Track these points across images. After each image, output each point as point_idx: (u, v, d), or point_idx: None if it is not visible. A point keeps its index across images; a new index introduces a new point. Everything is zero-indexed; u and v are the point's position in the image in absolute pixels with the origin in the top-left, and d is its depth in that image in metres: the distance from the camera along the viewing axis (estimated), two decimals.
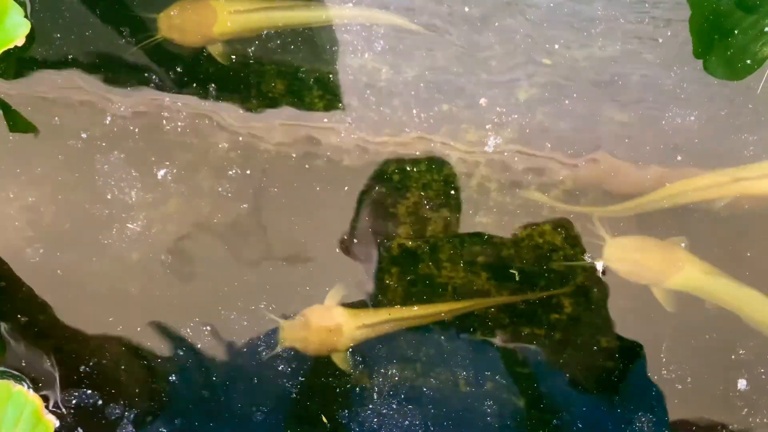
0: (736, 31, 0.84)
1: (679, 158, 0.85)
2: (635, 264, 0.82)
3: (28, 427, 0.77)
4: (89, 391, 0.83)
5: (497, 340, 0.86)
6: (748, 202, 0.84)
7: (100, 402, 0.83)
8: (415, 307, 0.85)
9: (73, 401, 0.83)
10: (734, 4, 0.84)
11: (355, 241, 0.87)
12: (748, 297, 0.81)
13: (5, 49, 0.81)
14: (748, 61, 0.84)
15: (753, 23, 0.83)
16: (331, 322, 0.83)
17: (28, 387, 0.81)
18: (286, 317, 0.85)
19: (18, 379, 0.81)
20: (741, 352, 0.82)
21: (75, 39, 0.90)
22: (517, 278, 0.85)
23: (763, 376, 0.82)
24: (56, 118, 0.88)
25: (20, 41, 0.82)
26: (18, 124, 0.87)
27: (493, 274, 0.86)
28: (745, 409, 0.81)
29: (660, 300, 0.82)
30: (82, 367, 0.84)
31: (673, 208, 0.84)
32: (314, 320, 0.83)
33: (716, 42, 0.85)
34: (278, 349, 0.83)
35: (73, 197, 0.87)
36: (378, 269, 0.87)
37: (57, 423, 0.79)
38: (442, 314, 0.85)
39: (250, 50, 0.90)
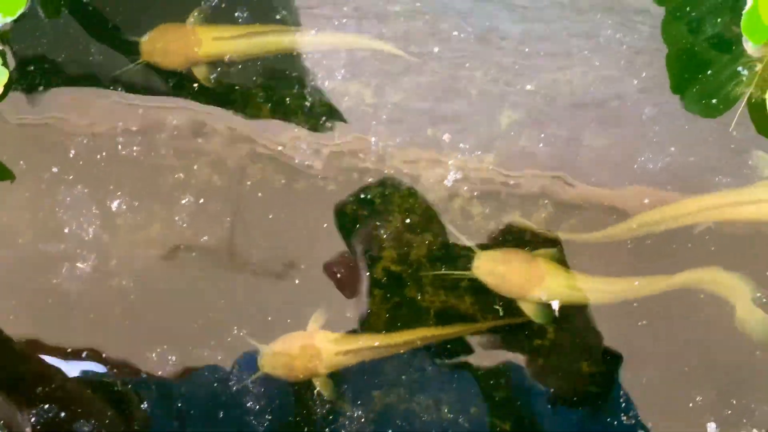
0: (709, 71, 0.86)
1: (648, 189, 0.87)
2: (500, 277, 0.83)
3: None
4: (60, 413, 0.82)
5: (481, 365, 0.86)
6: (725, 227, 0.85)
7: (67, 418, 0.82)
8: (399, 334, 0.85)
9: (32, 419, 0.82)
10: (708, 44, 0.86)
11: (339, 265, 0.87)
12: (613, 290, 0.84)
13: None
14: (717, 101, 0.86)
15: (726, 63, 0.85)
16: (312, 346, 0.83)
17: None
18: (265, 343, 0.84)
19: None
20: (698, 398, 0.83)
21: (52, 66, 0.90)
22: (501, 313, 0.85)
23: (732, 417, 0.83)
24: (21, 163, 0.88)
25: None
26: None
27: (477, 298, 0.86)
28: None
29: (526, 312, 0.83)
30: (47, 388, 0.83)
31: (651, 234, 0.85)
32: (295, 345, 0.83)
33: (690, 79, 0.87)
34: (258, 374, 0.83)
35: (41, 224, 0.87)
36: (361, 293, 0.87)
37: None
38: (423, 341, 0.85)
39: (235, 74, 0.90)
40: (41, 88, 0.90)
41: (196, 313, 0.86)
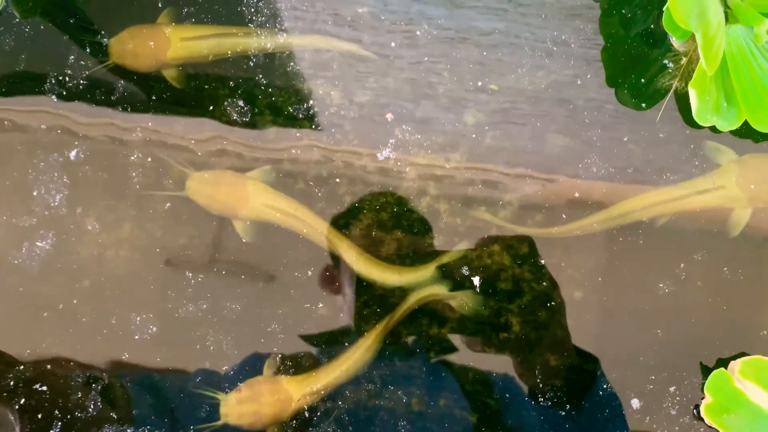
0: (640, 65, 0.89)
1: (610, 184, 0.89)
2: (209, 197, 0.86)
3: None
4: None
5: (449, 359, 0.87)
6: (686, 217, 0.88)
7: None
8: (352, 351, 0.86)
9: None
10: (639, 39, 0.89)
11: (309, 268, 0.88)
12: (304, 221, 0.87)
13: None
14: (647, 94, 0.89)
15: (656, 57, 0.88)
16: (281, 392, 0.82)
17: None
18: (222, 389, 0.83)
19: None
20: (606, 386, 0.86)
21: (23, 65, 0.90)
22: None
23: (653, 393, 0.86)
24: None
25: None
26: None
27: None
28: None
29: (238, 231, 0.87)
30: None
31: (616, 227, 0.88)
32: (262, 393, 0.82)
33: (623, 73, 0.90)
34: (219, 424, 0.81)
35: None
36: (333, 292, 0.88)
37: None
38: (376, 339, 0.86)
39: (203, 75, 0.90)
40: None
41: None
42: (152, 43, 0.86)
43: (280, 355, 0.85)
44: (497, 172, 0.90)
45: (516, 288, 0.88)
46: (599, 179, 0.89)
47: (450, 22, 0.92)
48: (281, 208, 0.86)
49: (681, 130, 0.89)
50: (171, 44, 0.87)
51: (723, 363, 0.83)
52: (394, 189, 0.89)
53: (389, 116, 0.88)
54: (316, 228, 0.87)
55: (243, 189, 0.86)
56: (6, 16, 0.90)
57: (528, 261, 0.88)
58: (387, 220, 0.89)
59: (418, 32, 0.92)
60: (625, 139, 0.89)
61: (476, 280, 0.87)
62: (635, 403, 0.85)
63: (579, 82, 0.91)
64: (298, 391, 0.82)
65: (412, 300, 0.86)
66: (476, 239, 0.88)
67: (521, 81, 0.91)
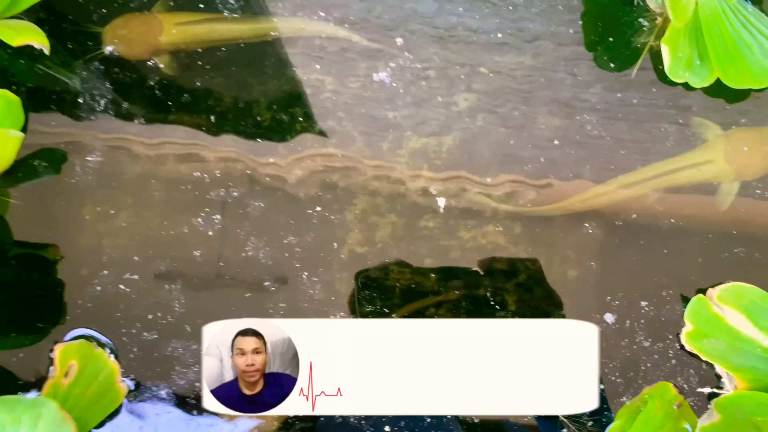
0: (619, 26, 0.92)
1: (612, 167, 0.91)
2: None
3: (101, 390, 0.78)
4: None
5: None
6: (675, 192, 0.90)
7: None
8: None
9: None
10: (617, 0, 0.92)
11: (307, 253, 0.89)
12: None
13: None
14: (624, 55, 0.92)
15: (633, 18, 0.92)
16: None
17: (110, 353, 0.81)
18: None
19: (101, 345, 0.82)
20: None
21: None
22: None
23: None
24: None
25: None
26: None
27: (442, 274, 0.88)
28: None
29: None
30: None
31: (606, 206, 0.89)
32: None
33: (602, 36, 0.93)
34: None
35: None
36: (329, 275, 0.88)
37: (126, 392, 0.80)
38: None
39: (196, 62, 0.91)
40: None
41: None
42: (145, 28, 0.87)
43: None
44: (490, 153, 0.91)
45: (511, 268, 0.88)
46: (593, 157, 0.91)
47: (439, 7, 0.94)
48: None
49: (675, 107, 0.91)
50: (164, 29, 0.88)
51: (703, 293, 0.85)
52: (387, 173, 0.90)
53: (399, 40, 0.89)
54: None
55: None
56: None
57: (522, 241, 0.89)
58: (382, 203, 0.90)
59: (411, 18, 0.94)
60: (623, 125, 0.91)
61: (441, 202, 0.87)
62: (609, 317, 0.86)
63: (573, 63, 0.93)
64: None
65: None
66: (470, 220, 0.89)
67: (509, 64, 0.93)
